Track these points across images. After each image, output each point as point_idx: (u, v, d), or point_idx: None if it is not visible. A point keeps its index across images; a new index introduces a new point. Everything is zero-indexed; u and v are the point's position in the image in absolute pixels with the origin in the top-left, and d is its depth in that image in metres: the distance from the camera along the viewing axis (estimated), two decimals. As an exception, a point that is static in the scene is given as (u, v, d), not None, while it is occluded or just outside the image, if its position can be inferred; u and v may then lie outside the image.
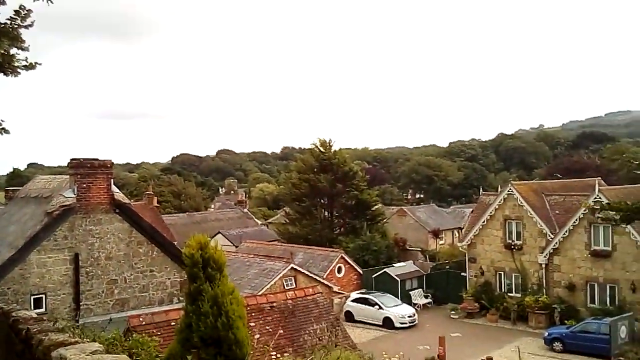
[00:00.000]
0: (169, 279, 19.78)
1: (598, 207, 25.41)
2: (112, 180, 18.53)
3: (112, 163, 18.45)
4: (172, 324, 14.35)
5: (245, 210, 57.56)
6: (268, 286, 28.80)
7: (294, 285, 29.71)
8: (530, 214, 31.67)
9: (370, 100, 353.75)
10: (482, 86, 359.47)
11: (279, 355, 15.41)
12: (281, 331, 16.15)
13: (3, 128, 8.05)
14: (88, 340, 5.43)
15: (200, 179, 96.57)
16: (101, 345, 4.55)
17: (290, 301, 17.10)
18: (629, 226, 27.67)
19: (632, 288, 27.79)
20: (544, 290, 30.89)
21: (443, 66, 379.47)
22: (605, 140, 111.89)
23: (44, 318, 7.67)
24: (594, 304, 29.29)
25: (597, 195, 28.64)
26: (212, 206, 77.74)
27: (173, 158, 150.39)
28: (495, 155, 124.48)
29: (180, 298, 19.90)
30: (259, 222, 56.98)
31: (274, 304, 16.70)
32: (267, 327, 15.98)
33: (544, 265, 31.11)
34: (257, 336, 15.06)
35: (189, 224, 45.88)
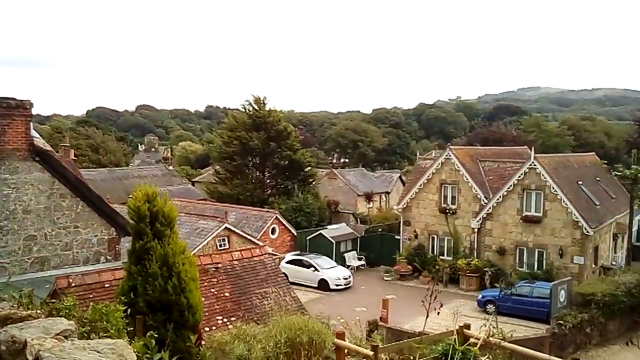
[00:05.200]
0: (96, 236, 17.88)
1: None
2: (31, 124, 16.17)
3: (32, 104, 15.97)
4: (106, 285, 12.77)
5: (171, 167, 54.72)
6: (200, 246, 27.33)
7: (227, 246, 28.42)
8: (466, 179, 31.94)
9: (295, 64, 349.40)
10: (403, 57, 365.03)
11: (225, 320, 14.28)
12: (227, 294, 14.97)
13: None
14: (42, 313, 3.93)
15: (118, 134, 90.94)
16: (71, 322, 3.11)
17: (236, 262, 15.84)
18: (560, 193, 28.60)
19: (559, 253, 28.85)
20: (476, 253, 31.53)
21: (365, 35, 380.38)
22: (519, 113, 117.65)
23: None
24: (523, 268, 30.24)
25: (533, 163, 29.36)
26: (132, 163, 73.56)
27: (88, 111, 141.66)
28: (417, 124, 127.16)
29: (108, 257, 18.12)
30: (184, 181, 54.42)
31: (219, 265, 15.34)
32: (213, 290, 14.72)
33: (476, 230, 31.65)
34: (202, 299, 13.79)
35: (109, 179, 42.79)
